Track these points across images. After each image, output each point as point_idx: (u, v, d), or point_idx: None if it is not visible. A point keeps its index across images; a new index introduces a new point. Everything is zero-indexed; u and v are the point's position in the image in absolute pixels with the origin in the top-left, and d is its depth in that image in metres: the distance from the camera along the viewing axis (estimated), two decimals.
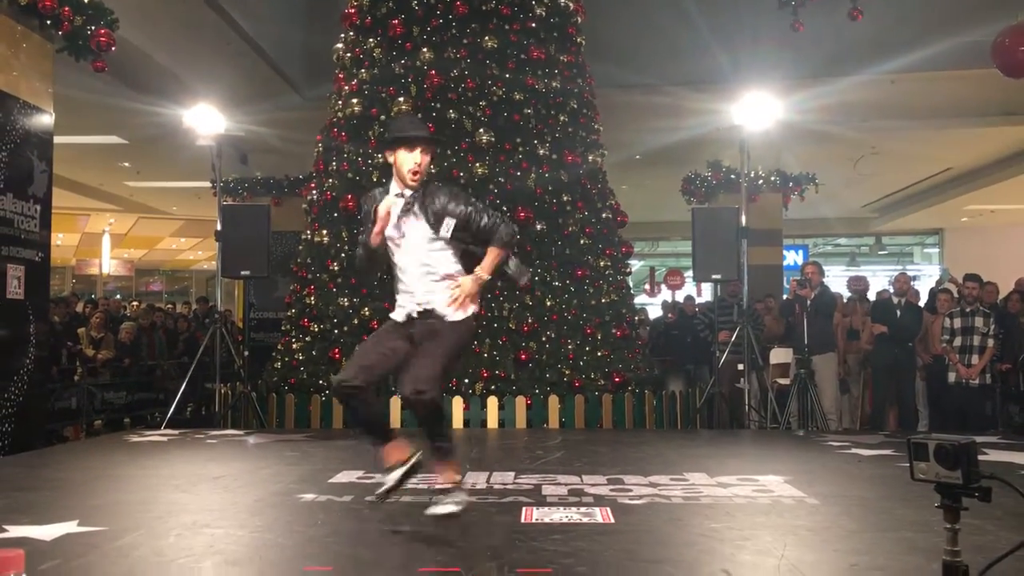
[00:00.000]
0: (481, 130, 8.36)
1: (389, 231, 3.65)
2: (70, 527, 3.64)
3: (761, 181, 12.95)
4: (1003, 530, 3.55)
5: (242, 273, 8.67)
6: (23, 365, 6.66)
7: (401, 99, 8.46)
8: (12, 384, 6.51)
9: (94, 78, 8.11)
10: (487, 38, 8.60)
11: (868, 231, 22.89)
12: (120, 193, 19.48)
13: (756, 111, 8.25)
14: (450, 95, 8.46)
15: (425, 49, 8.59)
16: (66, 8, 6.94)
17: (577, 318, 8.33)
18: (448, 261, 3.65)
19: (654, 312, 15.22)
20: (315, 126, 9.63)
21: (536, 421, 7.70)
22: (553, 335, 8.16)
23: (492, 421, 7.63)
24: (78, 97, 9.71)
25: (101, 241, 23.86)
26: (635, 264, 18.44)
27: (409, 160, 3.61)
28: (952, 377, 8.29)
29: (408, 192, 3.65)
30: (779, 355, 9.36)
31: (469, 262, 3.68)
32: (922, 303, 10.10)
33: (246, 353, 8.88)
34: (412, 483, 3.71)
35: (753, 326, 8.63)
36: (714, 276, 8.56)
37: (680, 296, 16.58)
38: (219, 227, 8.45)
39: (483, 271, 3.62)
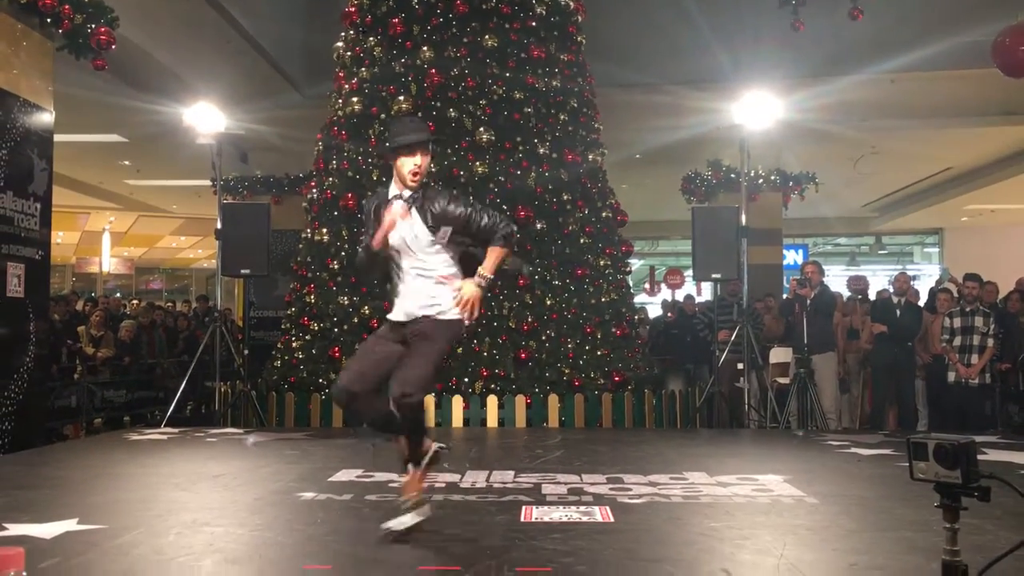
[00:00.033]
0: (481, 129, 8.36)
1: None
2: (70, 525, 3.65)
3: (761, 180, 12.95)
4: (1002, 530, 3.55)
5: (242, 271, 8.67)
6: (23, 363, 6.66)
7: (401, 98, 8.45)
8: (12, 382, 6.52)
9: (94, 76, 8.12)
10: (487, 37, 8.60)
11: (868, 231, 22.86)
12: (120, 191, 19.46)
13: (756, 110, 8.26)
14: (450, 94, 8.46)
15: (425, 48, 8.59)
16: (66, 6, 6.95)
17: (577, 317, 8.33)
18: (445, 263, 3.65)
19: (654, 311, 15.22)
20: (315, 124, 9.64)
21: (536, 420, 7.71)
22: (553, 334, 8.16)
23: (492, 420, 7.63)
24: (78, 95, 9.70)
25: (101, 239, 23.82)
26: (635, 263, 18.45)
27: (409, 163, 3.62)
28: (952, 377, 8.29)
29: (408, 193, 3.66)
30: (779, 354, 9.35)
31: (469, 264, 3.68)
32: (922, 303, 10.09)
33: (246, 351, 8.89)
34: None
35: (753, 325, 8.63)
36: (714, 275, 8.56)
37: (680, 295, 16.59)
38: (219, 225, 8.46)
39: (486, 271, 3.63)
